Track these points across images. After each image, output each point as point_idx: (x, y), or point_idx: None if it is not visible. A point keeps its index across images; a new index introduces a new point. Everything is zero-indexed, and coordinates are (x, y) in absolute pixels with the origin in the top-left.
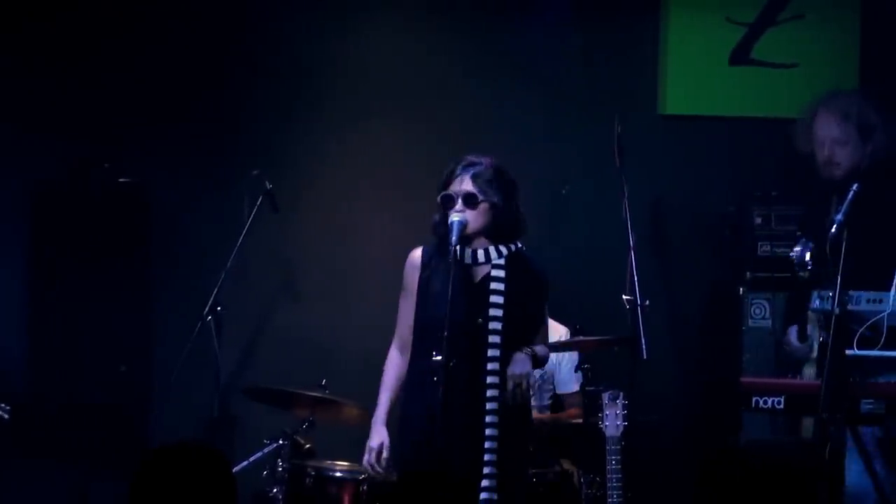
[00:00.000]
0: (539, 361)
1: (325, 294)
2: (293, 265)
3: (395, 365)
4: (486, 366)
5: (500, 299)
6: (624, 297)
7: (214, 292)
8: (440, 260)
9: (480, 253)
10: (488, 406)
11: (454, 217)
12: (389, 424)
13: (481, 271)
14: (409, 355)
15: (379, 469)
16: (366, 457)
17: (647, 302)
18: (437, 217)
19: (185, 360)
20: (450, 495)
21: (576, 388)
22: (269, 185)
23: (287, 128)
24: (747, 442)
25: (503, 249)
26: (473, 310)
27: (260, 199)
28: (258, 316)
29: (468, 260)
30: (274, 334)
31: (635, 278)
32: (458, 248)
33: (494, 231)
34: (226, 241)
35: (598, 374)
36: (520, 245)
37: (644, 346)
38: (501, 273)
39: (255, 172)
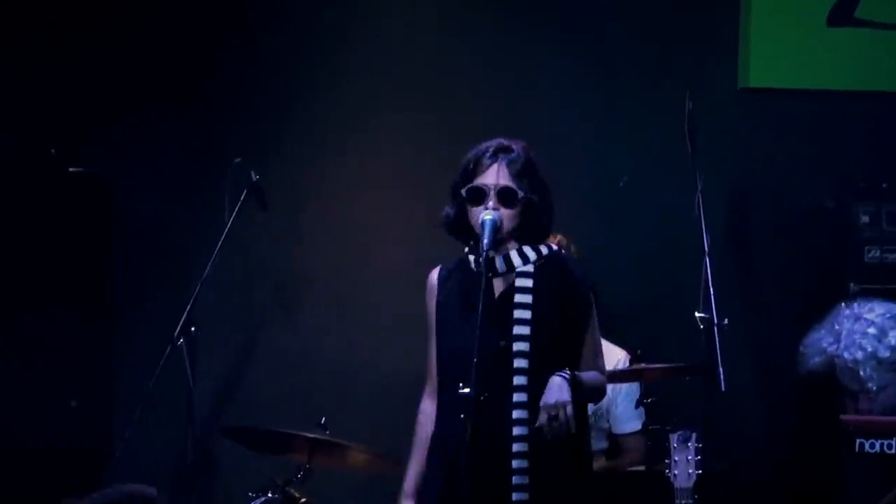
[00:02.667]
0: (587, 389)
1: (325, 311)
2: (285, 275)
3: (428, 419)
4: (511, 398)
5: (526, 314)
6: (697, 314)
7: (188, 308)
8: (459, 274)
9: (501, 260)
10: (515, 448)
11: (485, 215)
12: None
13: (504, 282)
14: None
15: None
16: None
17: (726, 321)
18: (450, 211)
19: (152, 393)
20: None
21: (636, 427)
22: (255, 177)
23: (277, 110)
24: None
25: (531, 254)
26: (495, 330)
27: (244, 195)
28: (242, 338)
29: (488, 271)
30: (262, 361)
31: (711, 291)
32: (489, 253)
33: (525, 233)
34: (202, 246)
35: (665, 411)
36: (553, 247)
37: (722, 376)
38: (528, 282)
39: (237, 161)
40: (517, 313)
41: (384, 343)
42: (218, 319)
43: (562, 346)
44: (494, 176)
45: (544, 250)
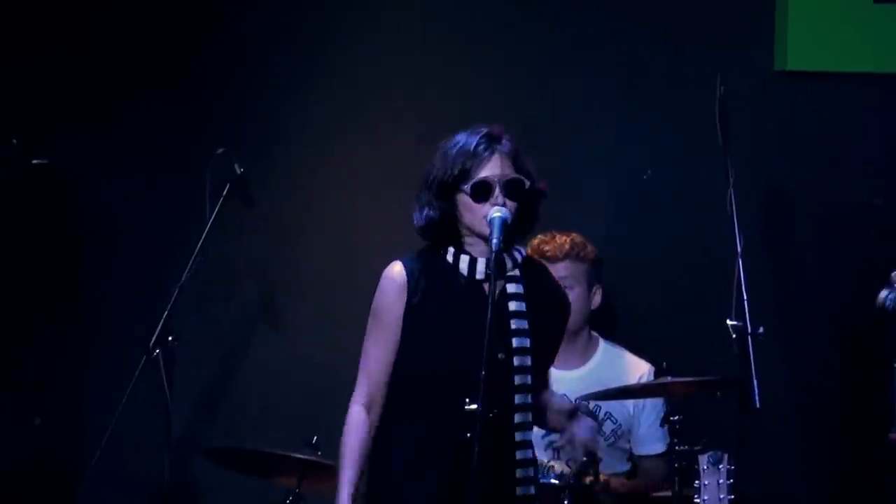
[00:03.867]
0: None
1: (318, 318)
2: (272, 279)
3: (363, 428)
4: (513, 419)
5: (523, 324)
6: (729, 322)
7: (164, 316)
8: (434, 275)
9: (482, 264)
10: (519, 473)
11: (495, 213)
12: None
13: (497, 286)
14: (377, 411)
15: None
16: None
17: (762, 330)
18: (432, 213)
19: (124, 409)
20: None
21: (661, 448)
22: (239, 170)
23: (265, 96)
24: None
25: (517, 255)
26: (490, 341)
27: (227, 189)
28: (224, 348)
29: (481, 274)
30: (246, 374)
31: (745, 297)
32: (500, 255)
33: (519, 229)
34: (181, 246)
35: (693, 430)
36: (524, 251)
37: (757, 391)
38: (518, 288)
39: (220, 151)
40: (514, 323)
41: None
42: (198, 328)
43: (548, 357)
44: (497, 167)
45: (522, 251)
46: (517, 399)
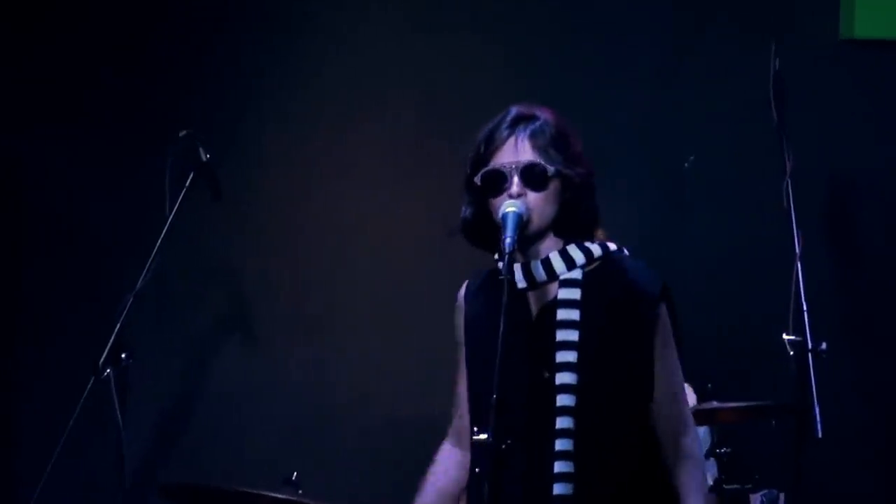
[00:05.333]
0: None
1: (295, 333)
2: (242, 285)
3: (446, 465)
4: (552, 446)
5: (572, 336)
6: (785, 336)
7: (116, 328)
8: (488, 288)
9: (539, 266)
10: None
11: (507, 208)
12: None
13: (544, 295)
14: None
15: None
16: None
17: (824, 346)
18: (467, 211)
19: (69, 440)
20: None
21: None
22: (205, 156)
23: (236, 71)
24: None
25: (577, 256)
26: (533, 358)
27: (190, 179)
28: (187, 367)
29: (521, 282)
30: (213, 397)
31: (804, 306)
32: (512, 255)
33: (565, 225)
34: (136, 246)
35: (744, 465)
36: (610, 246)
37: (818, 419)
38: (575, 294)
39: (182, 134)
40: (561, 334)
41: (371, 375)
42: (156, 342)
43: (620, 379)
44: (513, 152)
45: (596, 250)
46: (559, 423)
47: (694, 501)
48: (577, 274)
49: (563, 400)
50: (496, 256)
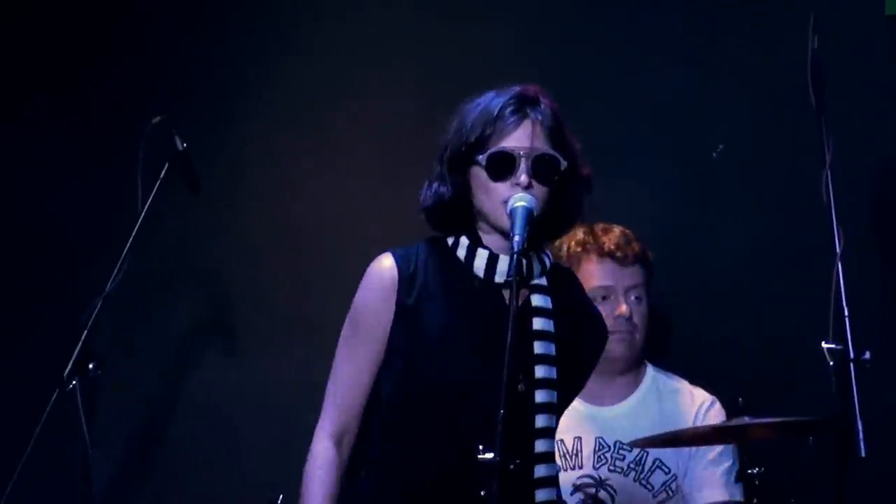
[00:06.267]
0: None
1: (281, 338)
2: (222, 287)
3: (330, 469)
4: (532, 472)
5: (550, 349)
6: (825, 345)
7: (83, 336)
8: (439, 272)
9: (513, 266)
10: None
11: (517, 202)
12: None
13: (513, 300)
14: (351, 441)
15: None
16: None
17: (868, 355)
18: (443, 189)
19: (31, 459)
20: None
21: (724, 496)
22: (181, 145)
23: (220, 51)
24: None
25: (546, 260)
26: (510, 367)
27: (165, 170)
28: (161, 379)
29: (499, 276)
30: (190, 411)
31: (845, 311)
32: (520, 254)
33: (550, 227)
34: (105, 244)
35: (778, 486)
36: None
37: (861, 435)
38: (546, 302)
39: (156, 120)
40: (539, 346)
41: None
42: (127, 351)
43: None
44: (527, 138)
45: (547, 255)
46: (539, 446)
47: None
48: (543, 280)
49: (543, 421)
50: (454, 243)
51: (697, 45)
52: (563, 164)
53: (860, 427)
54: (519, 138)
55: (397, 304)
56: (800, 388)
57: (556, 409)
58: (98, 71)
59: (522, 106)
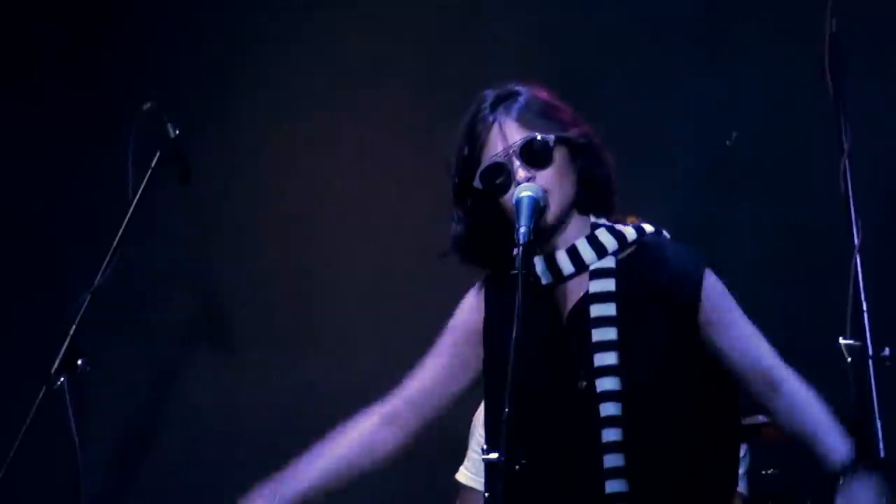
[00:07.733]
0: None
1: (280, 337)
2: (217, 282)
3: (360, 431)
4: (600, 463)
5: (610, 334)
6: (842, 341)
7: (71, 331)
8: (512, 289)
9: (566, 256)
10: None
11: (521, 192)
12: None
13: (576, 289)
14: (397, 432)
15: None
16: None
17: (888, 352)
18: (459, 226)
19: (17, 458)
20: None
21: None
22: (173, 133)
23: (215, 35)
24: None
25: (608, 241)
26: (567, 367)
27: (156, 160)
28: (152, 376)
29: (545, 277)
30: (183, 412)
31: (864, 306)
32: (527, 246)
33: (590, 198)
34: (94, 238)
35: (794, 489)
36: (645, 228)
37: (881, 434)
38: (609, 285)
39: (147, 106)
40: (597, 334)
41: (362, 388)
42: (117, 348)
43: (668, 378)
44: (500, 139)
45: (630, 234)
46: (606, 435)
47: (833, 436)
48: (609, 262)
49: (606, 409)
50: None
51: (710, 30)
52: (550, 138)
53: (879, 426)
54: (496, 143)
55: (485, 316)
56: (816, 385)
57: (622, 396)
58: (87, 60)
59: (493, 109)
